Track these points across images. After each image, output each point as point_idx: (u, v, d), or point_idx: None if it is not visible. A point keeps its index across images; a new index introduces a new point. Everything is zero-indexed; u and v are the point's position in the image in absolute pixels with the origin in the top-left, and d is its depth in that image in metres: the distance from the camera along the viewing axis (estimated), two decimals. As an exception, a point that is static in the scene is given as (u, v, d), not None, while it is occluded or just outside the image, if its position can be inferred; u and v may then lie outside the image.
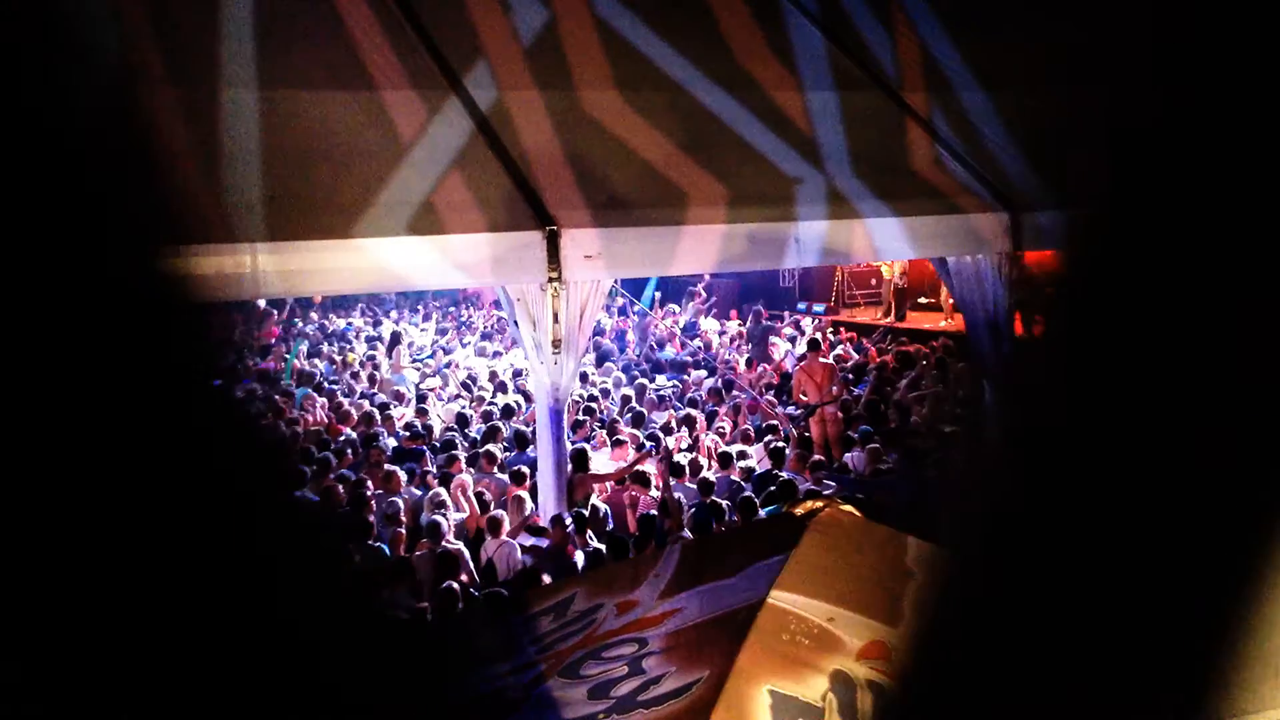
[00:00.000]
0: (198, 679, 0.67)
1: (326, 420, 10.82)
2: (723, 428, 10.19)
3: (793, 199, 8.28)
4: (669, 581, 3.53)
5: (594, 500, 8.04)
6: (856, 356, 13.85)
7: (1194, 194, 0.68)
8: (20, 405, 0.62)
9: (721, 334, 16.30)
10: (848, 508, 3.86)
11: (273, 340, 15.43)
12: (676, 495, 7.94)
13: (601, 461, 8.94)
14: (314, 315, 18.09)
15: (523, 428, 9.66)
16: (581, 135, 8.07)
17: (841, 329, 16.71)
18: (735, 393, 11.71)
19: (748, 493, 7.80)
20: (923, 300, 18.34)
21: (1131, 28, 0.72)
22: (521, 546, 7.44)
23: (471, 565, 7.13)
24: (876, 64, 9.73)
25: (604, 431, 9.83)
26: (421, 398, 11.70)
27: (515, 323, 7.86)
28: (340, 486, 7.99)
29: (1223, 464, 0.67)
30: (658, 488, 8.11)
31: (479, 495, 8.11)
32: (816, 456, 9.31)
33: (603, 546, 7.18)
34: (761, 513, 7.38)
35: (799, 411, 10.97)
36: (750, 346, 14.94)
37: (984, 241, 8.84)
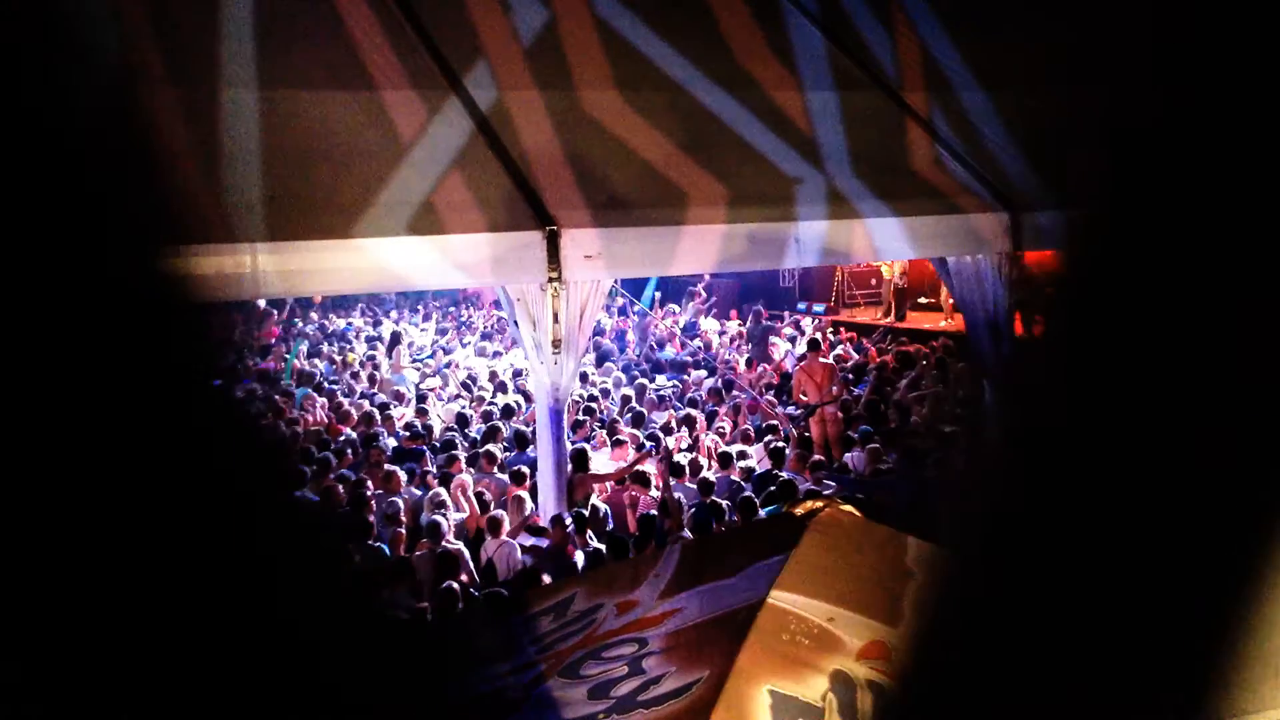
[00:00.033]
0: (198, 679, 0.67)
1: (326, 420, 10.82)
2: (723, 428, 10.19)
3: (793, 199, 8.28)
4: (669, 581, 3.53)
5: (594, 500, 8.04)
6: (856, 356, 13.85)
7: (1194, 194, 0.68)
8: (21, 405, 0.62)
9: (721, 334, 16.29)
10: (848, 508, 3.86)
11: (273, 340, 15.43)
12: (676, 495, 7.94)
13: (601, 462, 8.94)
14: (314, 315, 18.08)
15: (523, 428, 9.66)
16: (581, 135, 8.07)
17: (841, 329, 16.71)
18: (735, 393, 11.71)
19: (747, 493, 7.80)
20: (923, 300, 18.34)
21: (1131, 28, 0.72)
22: (521, 546, 7.44)
23: (471, 565, 7.13)
24: (876, 64, 9.73)
25: (604, 431, 9.83)
26: (421, 398, 11.70)
27: (515, 323, 7.86)
28: (340, 486, 7.99)
29: (1223, 464, 0.67)
30: (658, 488, 8.11)
31: (479, 495, 8.11)
32: (816, 456, 9.31)
33: (602, 546, 7.18)
34: (761, 513, 7.37)
35: (799, 411, 10.97)
36: (750, 346, 14.93)
37: (984, 241, 8.84)
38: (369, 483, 8.16)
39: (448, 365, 13.98)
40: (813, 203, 8.28)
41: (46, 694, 0.64)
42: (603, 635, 3.37)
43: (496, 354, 14.87)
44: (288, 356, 14.08)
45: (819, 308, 19.04)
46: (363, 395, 12.21)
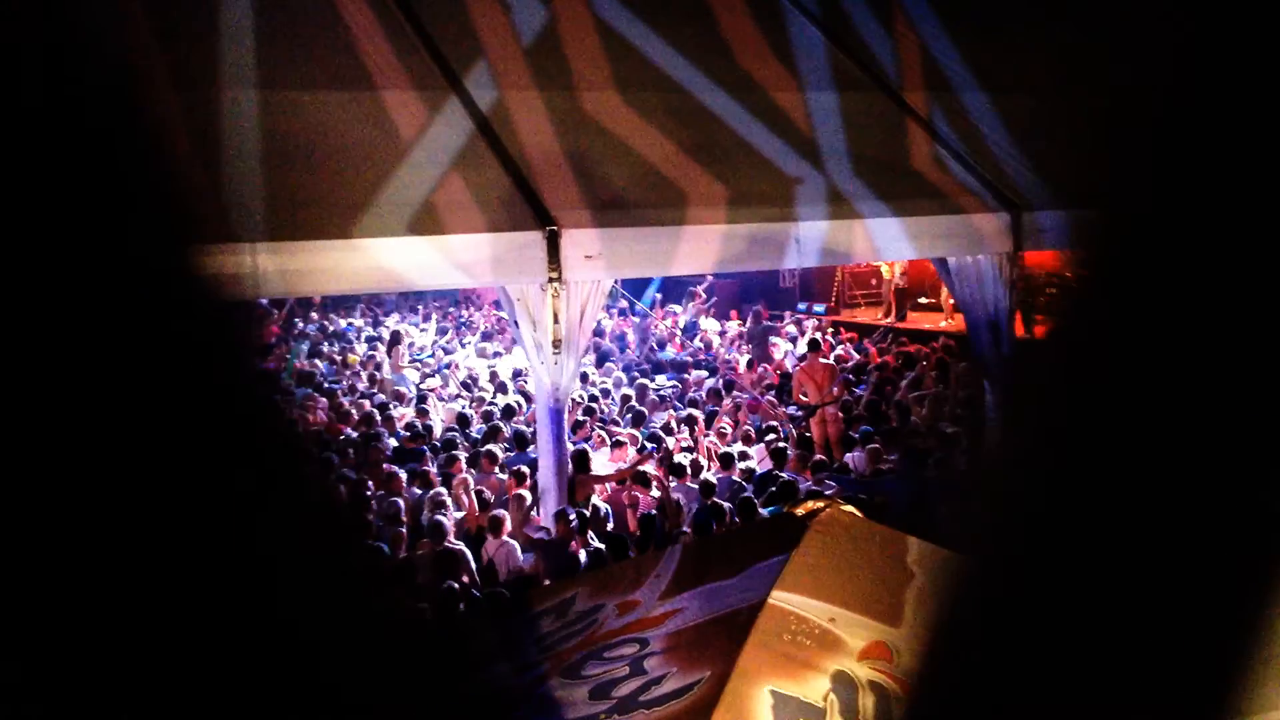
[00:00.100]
0: (199, 678, 0.66)
1: (326, 420, 10.82)
2: (724, 428, 10.19)
3: (793, 199, 8.28)
4: (670, 582, 3.53)
5: (595, 500, 8.04)
6: (857, 357, 13.84)
7: (1197, 194, 0.67)
8: (24, 403, 0.62)
9: (722, 334, 16.29)
10: (849, 508, 3.86)
11: (273, 340, 15.42)
12: (676, 496, 7.94)
13: (601, 462, 8.94)
14: (314, 315, 18.08)
15: (523, 428, 9.66)
16: (582, 135, 8.07)
17: (842, 329, 16.70)
18: (736, 393, 11.71)
19: (748, 493, 7.80)
20: (923, 300, 18.33)
21: (1131, 27, 0.71)
22: (527, 538, 7.44)
23: (473, 565, 7.13)
24: (877, 64, 9.74)
25: (603, 432, 9.83)
26: (422, 398, 11.69)
27: (515, 323, 7.86)
28: (340, 486, 7.98)
29: (1233, 462, 0.67)
30: (658, 488, 8.11)
31: (479, 494, 8.11)
32: (817, 457, 9.31)
33: (603, 546, 7.18)
34: (763, 513, 7.38)
35: (799, 412, 10.97)
36: (750, 347, 14.93)
37: (985, 242, 8.84)
38: (369, 483, 8.16)
39: (447, 365, 13.98)
40: (813, 203, 8.28)
41: (46, 694, 0.63)
42: (604, 635, 3.36)
43: (497, 354, 14.86)
44: (288, 357, 14.08)
45: (819, 308, 19.03)
46: (363, 395, 12.20)
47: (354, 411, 10.88)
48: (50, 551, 0.62)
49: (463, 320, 18.47)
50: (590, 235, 7.35)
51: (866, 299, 19.36)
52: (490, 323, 17.22)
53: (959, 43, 9.97)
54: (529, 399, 10.34)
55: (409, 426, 10.43)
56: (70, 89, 0.64)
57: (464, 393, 12.40)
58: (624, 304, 18.15)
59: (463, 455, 9.06)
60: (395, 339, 14.56)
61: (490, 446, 9.05)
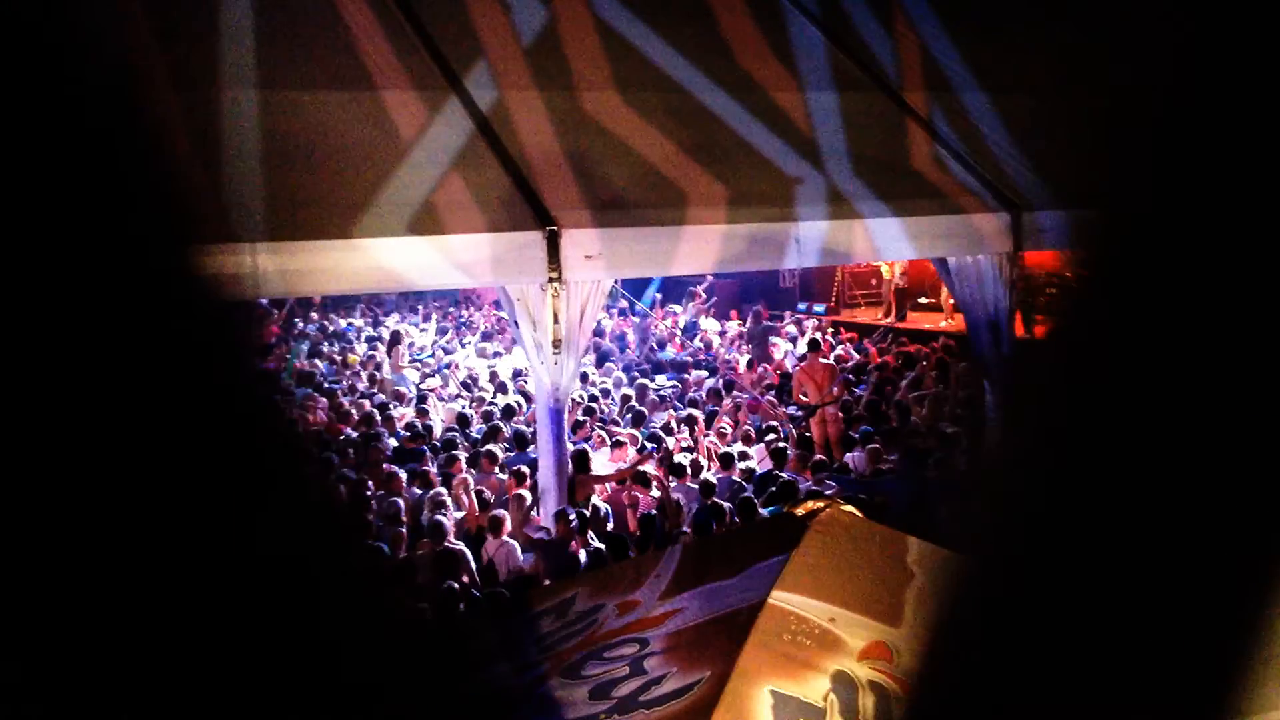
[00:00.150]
0: (200, 678, 0.66)
1: (326, 420, 10.81)
2: (724, 428, 10.19)
3: (793, 199, 8.28)
4: (670, 582, 3.53)
5: (595, 500, 8.04)
6: (857, 357, 13.84)
7: (1197, 194, 0.67)
8: (25, 404, 0.62)
9: (722, 334, 16.29)
10: (849, 508, 3.86)
11: (273, 340, 15.42)
12: (676, 496, 7.94)
13: (601, 462, 8.94)
14: (314, 315, 18.07)
15: (523, 428, 9.66)
16: (582, 135, 8.07)
17: (842, 329, 16.70)
18: (736, 393, 11.71)
19: (748, 493, 7.79)
20: (923, 300, 18.33)
21: (1131, 27, 0.71)
22: (526, 538, 7.44)
23: (473, 565, 7.13)
24: (877, 64, 9.74)
25: (603, 432, 9.83)
26: (422, 398, 11.69)
27: (515, 323, 7.86)
28: (340, 486, 7.98)
29: (1234, 465, 0.67)
30: (658, 488, 8.11)
31: (478, 494, 8.11)
32: (818, 457, 9.31)
33: (603, 546, 7.18)
34: (763, 513, 7.38)
35: (799, 412, 10.96)
36: (750, 347, 14.93)
37: (985, 241, 8.84)
38: (369, 483, 8.16)
39: (447, 365, 13.98)
40: (813, 203, 8.28)
41: (46, 694, 0.63)
42: (604, 635, 3.36)
43: (497, 354, 14.86)
44: (288, 357, 14.08)
45: (819, 308, 19.03)
46: (363, 395, 12.20)
47: (354, 411, 10.88)
48: (51, 551, 0.62)
49: (463, 320, 18.46)
50: (590, 235, 7.35)
51: (866, 299, 19.35)
52: (490, 323, 17.22)
53: (959, 43, 9.97)
54: (529, 399, 10.34)
55: (409, 426, 10.43)
56: (70, 89, 0.64)
57: (464, 393, 12.40)
58: (624, 304, 18.14)
59: (463, 455, 9.06)
60: (395, 339, 14.56)
61: (490, 446, 9.05)
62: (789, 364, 13.38)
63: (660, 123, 8.39)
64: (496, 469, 8.74)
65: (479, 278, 7.76)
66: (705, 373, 13.34)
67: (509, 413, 10.59)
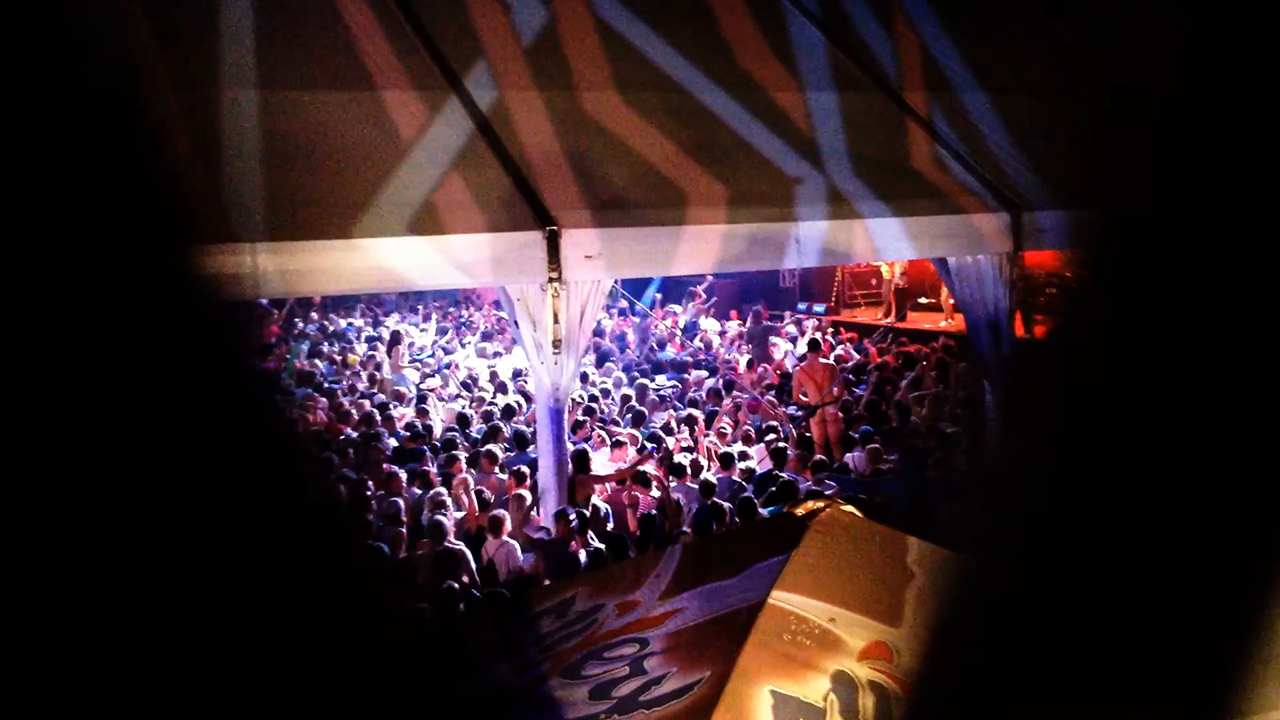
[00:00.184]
0: (200, 678, 0.66)
1: (326, 420, 10.81)
2: (724, 428, 10.19)
3: (793, 199, 8.28)
4: (670, 582, 3.53)
5: (595, 500, 8.04)
6: (857, 357, 13.84)
7: (1197, 194, 0.67)
8: (25, 404, 0.62)
9: (722, 334, 16.29)
10: (849, 508, 3.86)
11: (273, 340, 15.41)
12: (676, 496, 7.94)
13: (601, 462, 8.94)
14: (314, 315, 18.06)
15: (523, 428, 9.66)
16: (582, 135, 8.07)
17: (842, 329, 16.70)
18: (736, 393, 11.71)
19: (748, 493, 7.79)
20: (923, 300, 18.33)
21: (1131, 27, 0.71)
22: (527, 537, 7.44)
23: (473, 566, 7.13)
24: (877, 64, 9.74)
25: (603, 432, 9.83)
26: (422, 398, 11.69)
27: (515, 323, 7.86)
28: (340, 486, 7.98)
29: (1235, 465, 0.67)
30: (658, 488, 8.11)
31: (478, 494, 8.11)
32: (818, 457, 9.31)
33: (603, 546, 7.18)
34: (763, 513, 7.38)
35: (799, 412, 10.96)
36: (750, 347, 14.93)
37: (985, 242, 8.83)
38: (369, 483, 8.15)
39: (447, 365, 13.98)
40: (813, 203, 8.28)
41: (47, 694, 0.63)
42: (604, 635, 3.36)
43: (497, 354, 14.86)
44: (288, 357, 14.07)
45: (819, 308, 19.02)
46: (363, 395, 12.20)
47: (354, 411, 10.87)
48: (52, 551, 0.62)
49: (463, 320, 18.46)
50: (590, 235, 7.35)
51: (866, 299, 19.35)
52: (490, 323, 17.22)
53: (959, 42, 9.97)
54: (529, 399, 10.33)
55: (409, 426, 10.43)
56: (70, 89, 0.64)
57: (464, 393, 12.40)
58: (624, 304, 18.14)
59: (463, 455, 9.06)
60: (395, 339, 14.56)
61: (490, 446, 9.05)
62: (789, 364, 13.38)
63: (660, 123, 8.39)
64: (496, 469, 8.74)
65: (479, 278, 7.76)
66: (705, 373, 13.33)
67: (509, 413, 10.59)
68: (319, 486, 0.76)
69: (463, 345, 15.89)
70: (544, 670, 3.27)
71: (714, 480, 8.08)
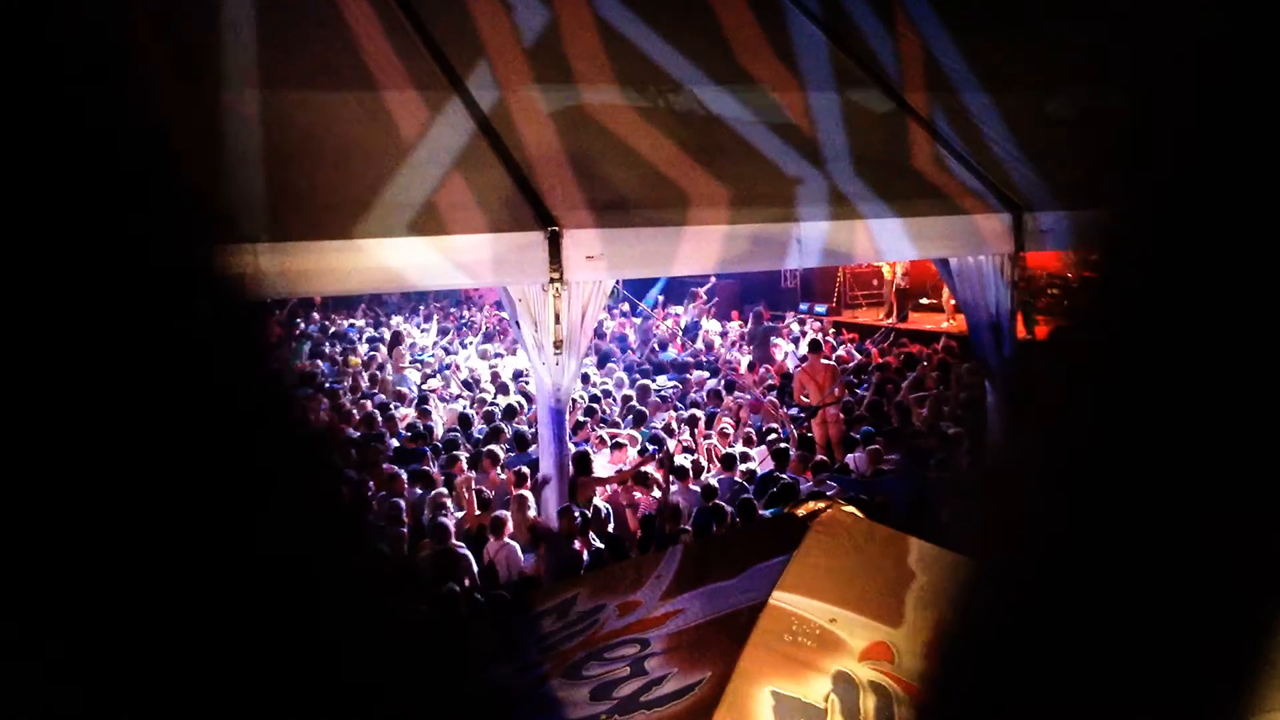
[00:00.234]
0: (204, 676, 0.66)
1: (327, 420, 10.80)
2: (726, 429, 10.19)
3: (795, 199, 8.28)
4: (671, 582, 3.53)
5: (596, 501, 8.03)
6: (859, 357, 13.84)
7: (1198, 194, 0.67)
8: (35, 405, 0.62)
9: (723, 335, 16.29)
10: (850, 509, 3.86)
11: (275, 340, 15.36)
12: (676, 499, 7.93)
13: (601, 464, 8.94)
14: (315, 315, 18.06)
15: (523, 428, 9.66)
16: (583, 136, 8.07)
17: (843, 330, 16.70)
18: (737, 393, 11.70)
19: (748, 494, 7.79)
20: (924, 301, 18.32)
21: (1133, 27, 0.71)
22: (533, 530, 7.43)
23: (475, 567, 7.12)
24: (878, 64, 9.73)
25: (604, 434, 9.83)
26: (423, 398, 11.69)
27: (517, 323, 7.85)
28: (342, 486, 7.95)
29: (1239, 466, 0.67)
30: (659, 490, 8.11)
31: (478, 493, 8.11)
32: (819, 457, 9.30)
33: (603, 546, 7.18)
34: (763, 514, 7.37)
35: (801, 413, 10.96)
36: (752, 348, 14.92)
37: (986, 242, 8.83)
38: (371, 483, 8.15)
39: (449, 366, 13.97)
40: (814, 203, 8.28)
41: (47, 694, 0.63)
42: (605, 636, 3.37)
43: (498, 355, 14.86)
44: (289, 357, 14.05)
45: (821, 309, 19.02)
46: (364, 396, 12.20)
47: (355, 412, 10.87)
48: (55, 550, 0.62)
49: (464, 321, 18.46)
50: (592, 236, 7.35)
51: (868, 300, 19.34)
52: (492, 323, 17.21)
53: (960, 42, 9.97)
54: (530, 399, 10.33)
55: (410, 427, 10.43)
56: (71, 89, 0.64)
57: (465, 393, 12.40)
58: (625, 305, 18.14)
59: (464, 456, 9.06)
60: (396, 339, 14.55)
61: (491, 447, 9.05)
62: (790, 365, 13.38)
63: (662, 123, 8.39)
64: (497, 469, 8.74)
65: (480, 278, 7.76)
66: (706, 373, 13.33)
67: (510, 413, 10.59)
68: (322, 486, 0.76)
69: (464, 346, 15.89)
70: (545, 670, 3.27)
71: (715, 483, 8.08)
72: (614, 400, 11.64)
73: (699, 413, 10.51)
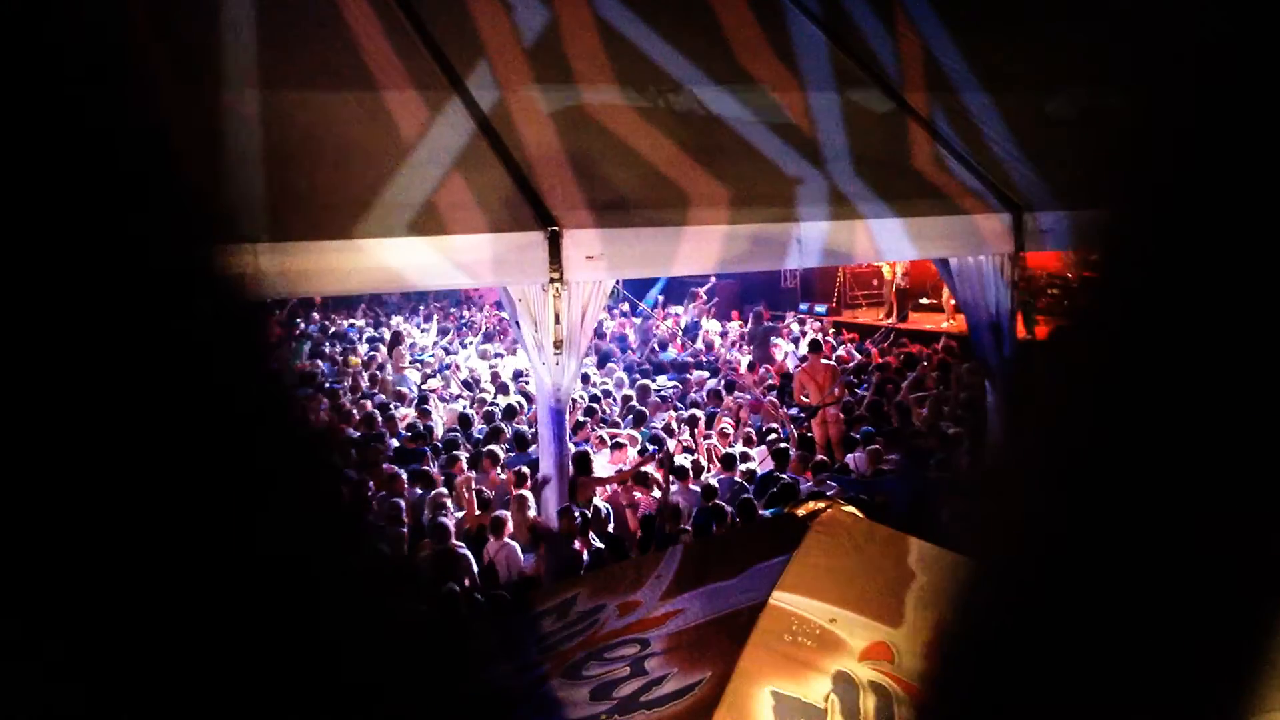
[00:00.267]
0: (205, 676, 0.66)
1: (327, 420, 10.80)
2: (726, 429, 10.19)
3: (795, 199, 8.28)
4: (671, 582, 3.53)
5: (596, 501, 8.04)
6: (859, 357, 13.84)
7: (1198, 194, 0.67)
8: (37, 406, 0.62)
9: (723, 335, 16.29)
10: (850, 508, 3.86)
11: (275, 340, 15.35)
12: (676, 499, 7.93)
13: (601, 464, 8.94)
14: (315, 315, 18.06)
15: (523, 428, 9.66)
16: (583, 136, 8.07)
17: (843, 330, 16.70)
18: (737, 393, 11.70)
19: (748, 494, 7.79)
20: (925, 301, 18.32)
21: (1133, 27, 0.71)
22: (533, 530, 7.44)
23: (475, 567, 7.13)
24: (878, 64, 9.73)
25: (603, 434, 9.83)
26: (423, 398, 11.69)
27: (517, 323, 7.85)
28: (342, 486, 7.94)
29: (1240, 466, 0.67)
30: (658, 490, 8.11)
31: (478, 493, 8.11)
32: (819, 457, 9.30)
33: (603, 546, 7.18)
34: (763, 514, 7.38)
35: (801, 413, 10.96)
36: (752, 348, 14.92)
37: (986, 242, 8.83)
38: (370, 483, 8.15)
39: (448, 366, 13.97)
40: (814, 203, 8.28)
41: (47, 693, 0.63)
42: (605, 636, 3.37)
43: (498, 355, 14.86)
44: (289, 357, 14.05)
45: (821, 309, 19.02)
46: (364, 396, 12.20)
47: (355, 412, 10.87)
48: (55, 550, 0.62)
49: (464, 321, 18.46)
50: (592, 236, 7.35)
51: (868, 300, 19.34)
52: (492, 323, 17.21)
53: (960, 42, 9.97)
54: (530, 399, 10.33)
55: (410, 427, 10.43)
56: (71, 89, 0.64)
57: (465, 393, 12.40)
58: (625, 305, 18.14)
59: (464, 456, 9.06)
60: (396, 339, 14.55)
61: (491, 447, 9.05)
62: (790, 365, 13.38)
63: (662, 123, 8.39)
64: (497, 469, 8.74)
65: (480, 278, 7.75)
66: (707, 373, 13.33)
67: (510, 413, 10.58)
68: (322, 487, 0.77)
69: (464, 346, 15.89)
70: (545, 670, 3.27)
71: (715, 483, 8.08)
72: (614, 400, 11.64)
73: (699, 413, 10.50)
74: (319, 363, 14.07)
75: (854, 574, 3.38)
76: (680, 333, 16.61)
